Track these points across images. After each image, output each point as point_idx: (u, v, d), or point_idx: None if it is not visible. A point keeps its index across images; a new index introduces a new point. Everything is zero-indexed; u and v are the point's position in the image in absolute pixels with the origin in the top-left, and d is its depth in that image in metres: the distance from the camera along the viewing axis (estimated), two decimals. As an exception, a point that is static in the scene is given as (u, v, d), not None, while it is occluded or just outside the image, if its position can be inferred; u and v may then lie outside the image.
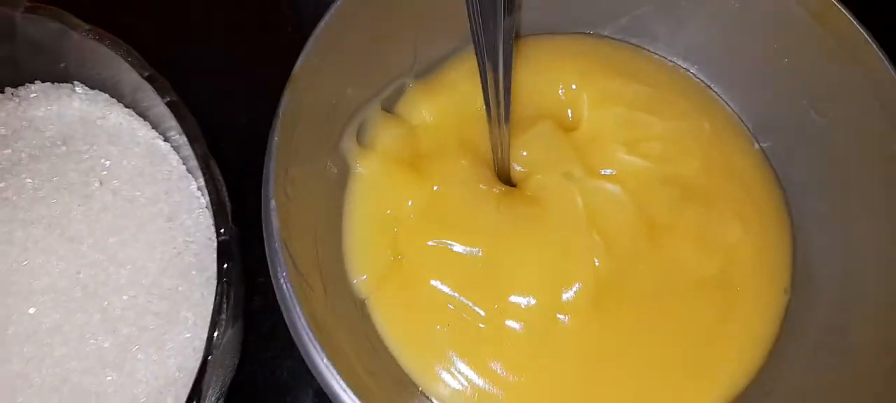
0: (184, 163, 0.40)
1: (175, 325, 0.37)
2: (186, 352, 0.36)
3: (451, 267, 0.39)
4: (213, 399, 0.35)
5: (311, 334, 0.30)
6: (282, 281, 0.31)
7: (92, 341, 0.36)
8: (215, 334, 0.32)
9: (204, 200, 0.39)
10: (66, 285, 0.36)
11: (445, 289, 0.39)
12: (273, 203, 0.31)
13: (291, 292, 0.30)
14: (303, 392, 0.44)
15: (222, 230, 0.34)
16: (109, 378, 0.36)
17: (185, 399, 0.32)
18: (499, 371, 0.38)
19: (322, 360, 0.30)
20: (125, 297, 0.37)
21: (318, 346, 0.30)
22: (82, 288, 0.37)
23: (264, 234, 0.32)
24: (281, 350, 0.45)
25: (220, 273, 0.33)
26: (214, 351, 0.32)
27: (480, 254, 0.39)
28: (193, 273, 0.38)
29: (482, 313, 0.39)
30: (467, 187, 0.40)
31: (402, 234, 0.40)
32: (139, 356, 0.36)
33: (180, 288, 0.37)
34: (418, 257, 0.39)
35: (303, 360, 0.44)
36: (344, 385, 0.29)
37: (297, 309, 0.30)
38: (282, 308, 0.31)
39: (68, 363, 0.35)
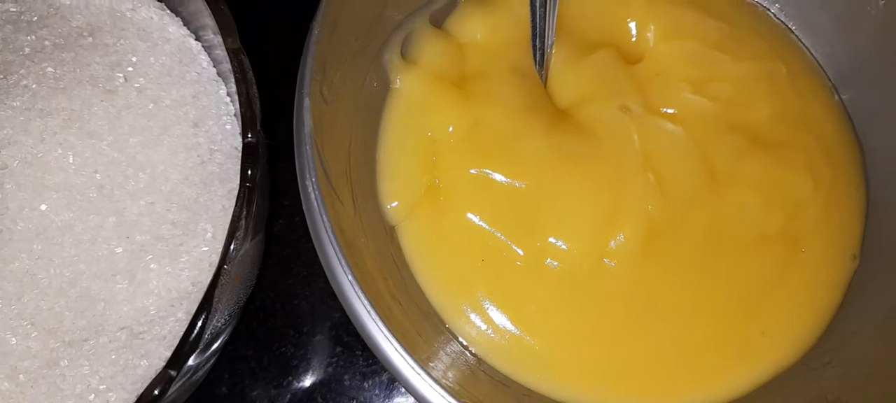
0: (215, 66, 0.38)
1: (192, 237, 0.35)
2: (202, 266, 0.35)
3: (491, 200, 0.36)
4: (225, 314, 0.33)
5: (336, 245, 0.27)
6: (309, 185, 0.28)
7: (104, 245, 0.34)
8: (232, 245, 0.30)
9: (233, 108, 0.37)
10: (81, 183, 0.35)
11: (483, 223, 0.36)
12: (307, 101, 0.29)
13: (319, 199, 0.28)
14: (320, 324, 0.43)
15: (249, 134, 0.31)
16: (120, 285, 0.34)
17: (196, 312, 0.30)
18: (533, 316, 0.36)
19: (346, 275, 0.27)
20: (142, 203, 0.35)
21: (343, 259, 0.27)
22: (98, 188, 0.35)
23: (295, 136, 0.30)
24: (302, 278, 0.43)
25: (244, 177, 0.30)
26: (230, 263, 0.30)
27: (524, 187, 0.36)
28: (216, 183, 0.36)
29: (520, 251, 0.36)
30: (515, 113, 0.37)
31: (441, 160, 0.37)
32: (152, 266, 0.34)
33: (201, 199, 0.36)
34: (456, 186, 0.37)
35: (321, 291, 0.43)
36: (366, 302, 0.27)
37: (324, 216, 0.27)
38: (307, 217, 0.29)
39: (77, 265, 0.34)
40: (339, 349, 0.42)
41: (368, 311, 0.27)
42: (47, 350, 0.33)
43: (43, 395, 0.32)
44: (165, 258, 0.34)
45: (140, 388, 0.32)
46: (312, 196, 0.28)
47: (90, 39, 0.37)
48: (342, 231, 0.28)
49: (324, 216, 0.28)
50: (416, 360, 0.27)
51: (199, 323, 0.29)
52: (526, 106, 0.37)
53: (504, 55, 0.39)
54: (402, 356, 0.27)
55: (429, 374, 0.27)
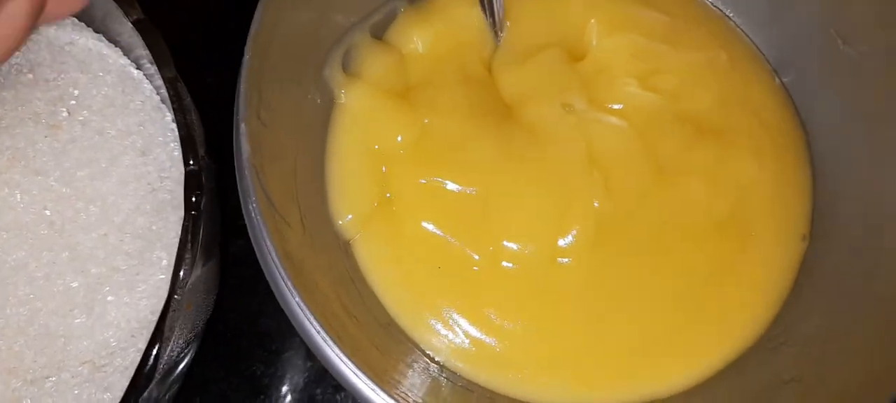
0: (157, 93, 0.37)
1: (148, 266, 0.35)
2: (160, 295, 0.34)
3: (444, 207, 0.36)
4: (181, 343, 0.33)
5: (281, 268, 0.27)
6: (252, 209, 0.28)
7: (59, 281, 0.34)
8: (181, 272, 0.30)
9: (180, 133, 0.37)
10: (32, 221, 0.35)
11: (437, 231, 0.36)
12: (243, 126, 0.29)
13: (261, 222, 0.28)
14: (288, 341, 0.42)
15: (191, 161, 0.31)
16: (78, 320, 0.34)
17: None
18: (493, 318, 0.36)
19: (293, 296, 0.27)
20: (95, 235, 0.35)
21: (288, 280, 0.27)
22: (49, 224, 0.35)
23: (235, 162, 0.30)
24: (266, 296, 0.43)
25: (188, 205, 0.30)
26: (179, 290, 0.30)
27: (475, 193, 0.36)
28: (168, 210, 0.36)
29: (476, 256, 0.36)
30: (461, 120, 0.37)
31: (391, 172, 0.37)
32: (110, 298, 0.34)
33: (154, 227, 0.35)
34: (408, 196, 0.37)
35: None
36: (316, 324, 0.27)
37: (267, 239, 0.27)
38: (252, 240, 0.29)
39: (34, 303, 0.34)
40: (309, 364, 0.42)
41: (318, 332, 0.27)
42: (9, 391, 0.33)
43: (6, 437, 0.32)
44: (122, 289, 0.34)
45: (103, 423, 0.32)
46: (255, 219, 0.28)
47: (30, 76, 0.37)
48: (288, 253, 0.28)
49: (267, 240, 0.28)
50: (369, 377, 0.27)
51: (153, 355, 0.29)
52: (472, 112, 0.37)
53: (447, 62, 0.39)
54: (355, 374, 0.27)
55: (383, 389, 0.27)
